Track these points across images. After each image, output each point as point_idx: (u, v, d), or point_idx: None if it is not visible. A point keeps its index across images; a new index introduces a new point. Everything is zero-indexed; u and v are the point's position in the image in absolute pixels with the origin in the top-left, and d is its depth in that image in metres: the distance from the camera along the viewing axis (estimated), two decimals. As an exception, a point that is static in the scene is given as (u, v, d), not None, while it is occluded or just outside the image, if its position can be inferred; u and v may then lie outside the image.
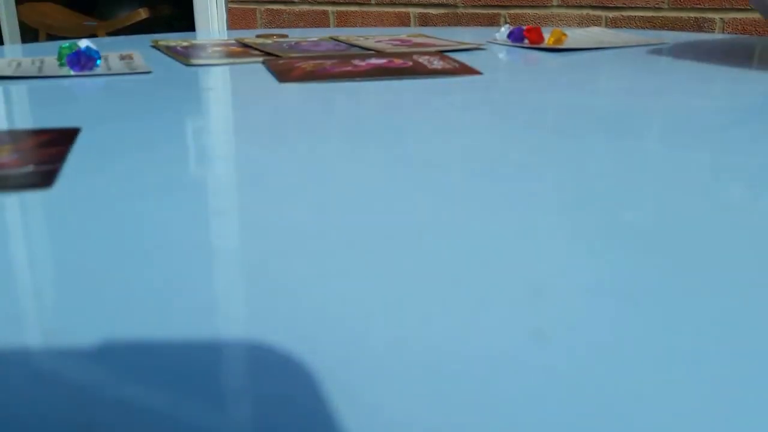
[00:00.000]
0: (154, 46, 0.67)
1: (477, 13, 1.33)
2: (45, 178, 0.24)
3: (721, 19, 1.12)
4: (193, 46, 0.65)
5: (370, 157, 0.27)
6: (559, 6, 1.26)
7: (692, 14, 1.14)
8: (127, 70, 0.51)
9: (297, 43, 0.68)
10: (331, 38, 0.72)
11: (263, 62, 0.56)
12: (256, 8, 1.53)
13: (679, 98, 0.38)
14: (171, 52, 0.61)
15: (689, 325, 0.14)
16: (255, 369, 0.13)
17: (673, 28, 1.16)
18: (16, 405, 0.12)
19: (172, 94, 0.42)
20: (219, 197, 0.23)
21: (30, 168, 0.25)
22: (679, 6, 1.15)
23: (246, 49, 0.64)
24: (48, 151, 0.27)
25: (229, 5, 1.54)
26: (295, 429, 0.11)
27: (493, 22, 1.31)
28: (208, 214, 0.21)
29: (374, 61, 0.53)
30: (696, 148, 0.28)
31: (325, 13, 1.47)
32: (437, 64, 0.51)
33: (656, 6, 1.17)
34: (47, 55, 0.59)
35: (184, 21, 1.62)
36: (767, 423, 0.11)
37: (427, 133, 0.31)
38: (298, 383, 0.12)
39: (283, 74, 0.48)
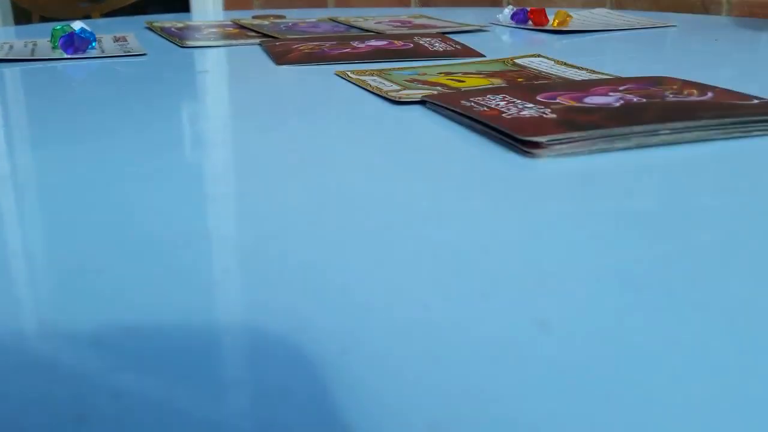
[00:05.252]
0: (148, 28, 0.66)
1: (478, -6, 1.31)
2: None
3: (728, 0, 1.11)
4: (188, 28, 0.64)
5: (370, 139, 0.27)
6: (561, -13, 1.24)
7: (696, -5, 1.13)
8: (121, 53, 0.50)
9: (295, 24, 0.67)
10: (330, 19, 0.71)
11: (260, 44, 0.55)
12: (253, -11, 1.51)
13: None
14: (165, 33, 0.60)
15: (693, 313, 0.14)
16: (253, 357, 0.13)
17: (679, 10, 1.15)
18: (13, 394, 0.12)
19: (167, 77, 0.41)
20: (215, 181, 0.22)
21: None
22: (683, -13, 1.13)
23: (242, 30, 0.63)
24: None
25: (226, -14, 1.52)
26: (294, 417, 0.11)
27: (496, 2, 1.30)
28: (205, 198, 0.21)
29: (374, 43, 0.52)
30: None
31: (323, -7, 1.45)
32: (439, 46, 0.50)
33: (660, -13, 1.16)
34: (40, 37, 0.58)
35: (179, 1, 1.60)
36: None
37: (428, 118, 0.30)
38: (297, 371, 0.12)
39: (281, 56, 0.47)
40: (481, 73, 0.39)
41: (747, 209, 0.20)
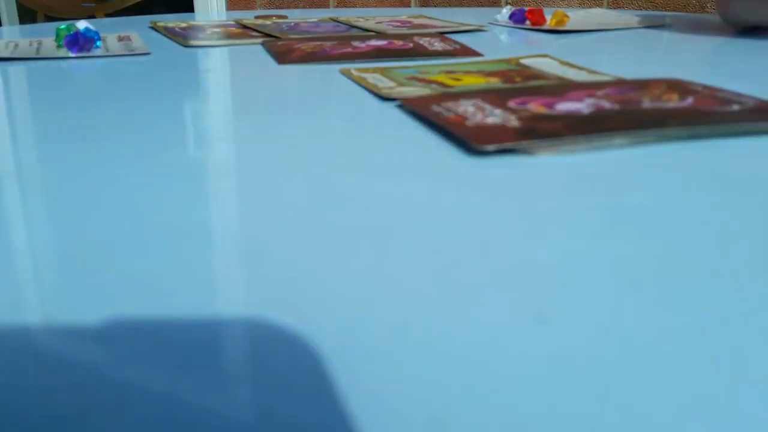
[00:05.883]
0: (152, 28, 0.67)
1: (478, -6, 1.31)
2: None
3: None
4: (191, 27, 0.65)
5: (371, 138, 0.27)
6: (561, -14, 1.25)
7: (695, -5, 1.13)
8: (126, 52, 0.50)
9: (296, 24, 0.67)
10: (331, 19, 0.71)
11: (262, 44, 0.55)
12: (255, -11, 1.51)
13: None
14: (169, 33, 0.61)
15: (692, 308, 0.14)
16: (256, 351, 0.13)
17: (675, 9, 1.15)
18: (16, 387, 0.12)
19: (171, 76, 0.42)
20: (218, 177, 0.23)
21: None
22: (682, -13, 1.14)
23: (245, 30, 0.63)
24: None
25: (228, -14, 1.53)
26: (296, 411, 0.11)
27: (494, 2, 1.30)
28: (208, 195, 0.21)
29: (374, 42, 0.53)
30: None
31: (325, -7, 1.45)
32: (438, 45, 0.51)
33: (659, -13, 1.16)
34: (45, 36, 0.58)
35: (183, 2, 1.61)
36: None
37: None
38: (299, 366, 0.12)
39: (283, 56, 0.48)
40: (481, 72, 0.40)
41: (736, 207, 0.21)
